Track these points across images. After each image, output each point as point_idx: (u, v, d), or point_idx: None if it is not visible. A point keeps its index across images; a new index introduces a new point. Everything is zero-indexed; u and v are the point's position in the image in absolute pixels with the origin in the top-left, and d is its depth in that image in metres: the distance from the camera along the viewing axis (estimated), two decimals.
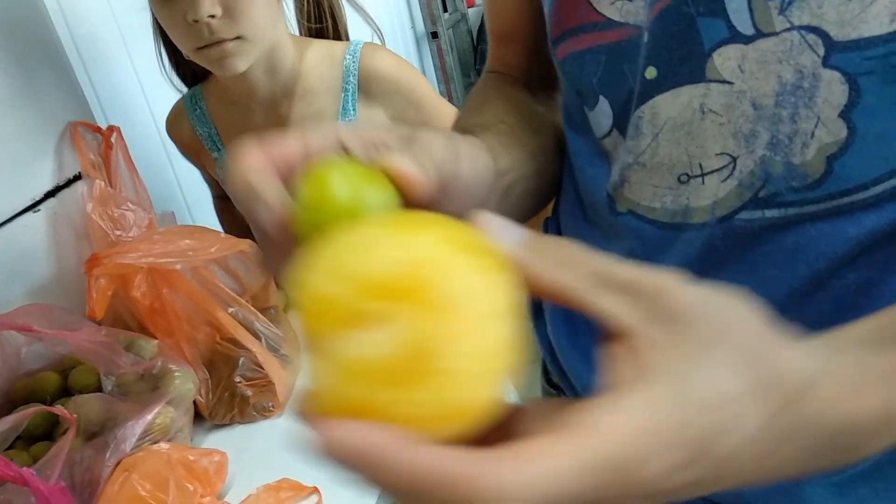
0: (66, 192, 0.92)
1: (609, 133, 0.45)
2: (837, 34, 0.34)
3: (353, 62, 0.99)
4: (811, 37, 0.34)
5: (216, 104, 1.04)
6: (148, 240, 0.82)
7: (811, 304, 0.37)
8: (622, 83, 0.42)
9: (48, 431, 0.75)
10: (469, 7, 2.82)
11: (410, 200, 0.30)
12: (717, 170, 0.39)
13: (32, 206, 0.88)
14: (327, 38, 1.05)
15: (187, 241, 0.82)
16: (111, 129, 0.97)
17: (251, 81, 0.96)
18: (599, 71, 0.44)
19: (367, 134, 0.32)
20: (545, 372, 0.60)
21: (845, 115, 0.35)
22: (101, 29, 1.15)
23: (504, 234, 0.27)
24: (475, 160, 0.37)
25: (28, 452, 0.69)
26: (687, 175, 0.40)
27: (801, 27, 0.34)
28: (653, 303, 0.25)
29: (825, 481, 0.41)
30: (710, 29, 0.37)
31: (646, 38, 0.40)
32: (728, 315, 0.26)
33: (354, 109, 1.00)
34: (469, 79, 2.78)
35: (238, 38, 0.87)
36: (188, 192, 1.33)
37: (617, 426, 0.23)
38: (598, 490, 0.23)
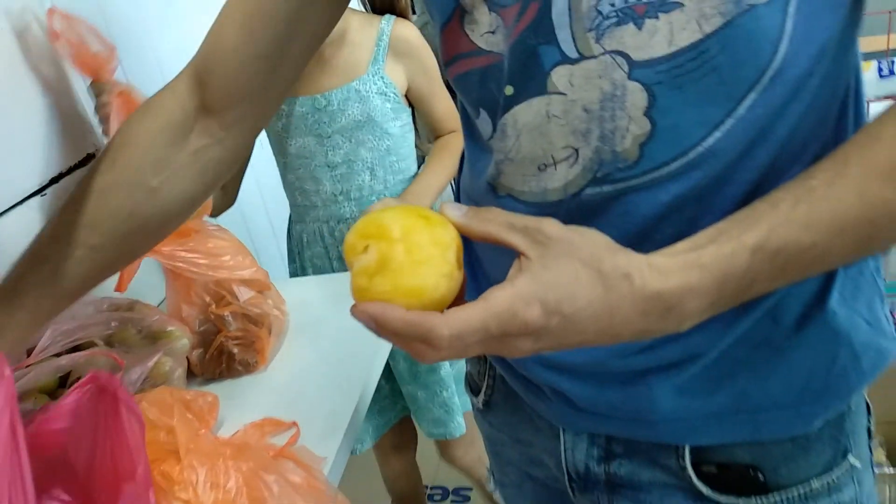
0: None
1: (492, 136, 0.56)
2: (635, 55, 0.46)
3: (387, 27, 1.31)
4: (618, 58, 0.46)
5: None
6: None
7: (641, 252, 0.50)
8: (493, 98, 0.54)
9: (62, 383, 0.87)
10: None
11: None
12: (565, 159, 0.51)
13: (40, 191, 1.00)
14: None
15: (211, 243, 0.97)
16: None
17: None
18: (476, 89, 0.55)
19: None
20: None
21: (647, 113, 0.47)
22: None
23: (451, 208, 0.46)
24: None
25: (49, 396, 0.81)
26: (544, 164, 0.52)
27: (611, 51, 0.46)
28: (535, 234, 0.44)
29: (669, 384, 0.55)
30: (547, 54, 0.48)
31: (505, 63, 0.51)
32: (578, 239, 0.44)
33: (383, 61, 1.30)
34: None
35: None
36: None
37: (499, 295, 0.42)
38: (492, 329, 0.42)
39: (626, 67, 0.46)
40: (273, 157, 1.39)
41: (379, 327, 0.42)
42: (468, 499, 2.02)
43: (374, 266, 0.42)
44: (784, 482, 0.57)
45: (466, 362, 0.78)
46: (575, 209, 0.52)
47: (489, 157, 0.57)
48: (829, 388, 0.55)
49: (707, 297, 0.43)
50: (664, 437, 0.58)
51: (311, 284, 1.20)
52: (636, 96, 0.47)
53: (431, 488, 2.06)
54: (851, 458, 0.58)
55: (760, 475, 0.57)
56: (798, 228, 0.42)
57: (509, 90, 0.52)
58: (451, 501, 2.03)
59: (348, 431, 0.85)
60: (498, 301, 0.42)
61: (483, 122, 0.57)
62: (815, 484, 0.57)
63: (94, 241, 0.61)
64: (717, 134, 0.47)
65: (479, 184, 0.59)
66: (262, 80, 0.62)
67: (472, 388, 0.77)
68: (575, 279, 0.42)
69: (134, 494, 0.63)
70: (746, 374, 0.55)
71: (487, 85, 0.54)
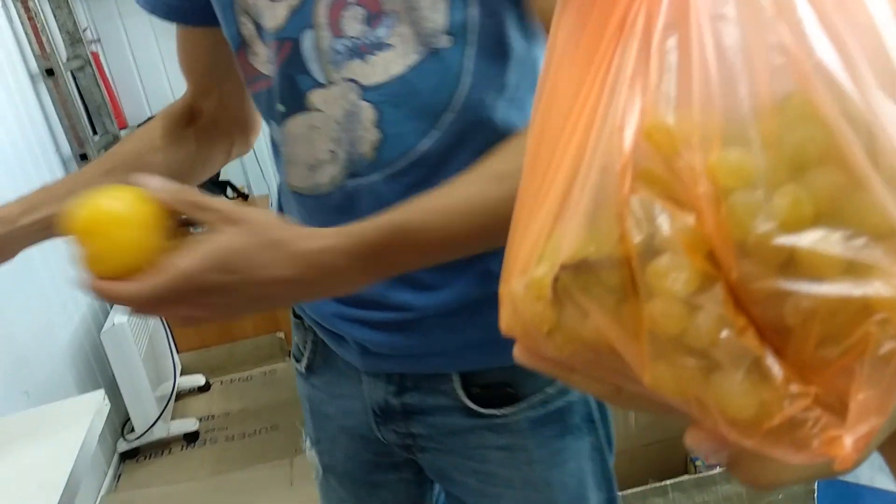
0: None
1: (281, 144, 0.71)
2: (364, 81, 0.62)
3: None
4: (353, 85, 0.62)
5: None
6: None
7: None
8: (275, 114, 0.68)
9: None
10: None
11: None
12: (328, 160, 0.66)
13: None
14: None
15: None
16: None
17: None
18: (265, 106, 0.70)
19: None
20: None
21: (377, 125, 0.62)
22: None
23: (150, 181, 0.54)
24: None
25: None
26: (313, 165, 0.67)
27: (346, 79, 0.62)
28: (212, 213, 0.54)
29: (436, 326, 0.70)
30: (303, 81, 0.64)
31: (276, 86, 0.65)
32: (248, 213, 0.54)
33: None
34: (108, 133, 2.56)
35: None
36: None
37: (172, 265, 0.52)
38: (171, 293, 0.51)
39: (358, 91, 0.62)
40: None
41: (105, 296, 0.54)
42: None
43: (89, 256, 0.53)
44: (528, 392, 0.73)
45: (293, 333, 0.87)
46: (340, 198, 0.67)
47: (281, 160, 0.72)
48: None
49: (351, 258, 0.54)
50: (440, 368, 0.73)
51: None
52: (368, 112, 0.62)
53: None
54: None
55: (511, 390, 0.73)
56: (430, 214, 0.55)
57: (281, 108, 0.67)
58: None
59: None
60: (168, 270, 0.52)
61: (275, 132, 0.71)
62: (550, 390, 0.74)
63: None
64: (427, 141, 0.63)
65: (281, 181, 0.75)
66: None
67: (296, 356, 0.88)
68: (231, 240, 0.53)
69: None
70: (487, 312, 0.66)
71: (270, 102, 0.68)
